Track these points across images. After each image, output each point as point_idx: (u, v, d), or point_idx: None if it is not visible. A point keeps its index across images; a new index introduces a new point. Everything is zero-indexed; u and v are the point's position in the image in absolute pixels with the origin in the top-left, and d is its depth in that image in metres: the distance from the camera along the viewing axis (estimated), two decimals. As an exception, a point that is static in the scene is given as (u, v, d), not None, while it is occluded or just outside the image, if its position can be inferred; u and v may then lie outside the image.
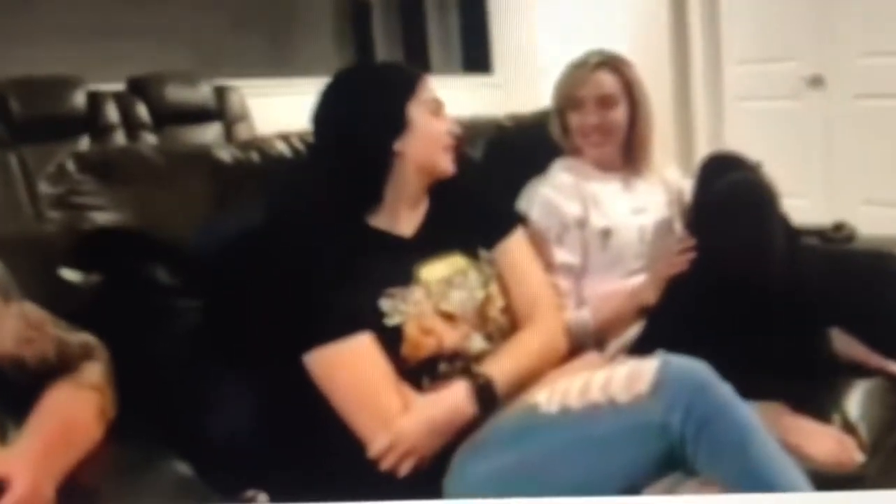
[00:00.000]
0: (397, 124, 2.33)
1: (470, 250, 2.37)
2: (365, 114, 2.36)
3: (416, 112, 2.33)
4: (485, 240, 2.44)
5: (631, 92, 2.94)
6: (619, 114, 2.92)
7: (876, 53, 6.68)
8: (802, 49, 7.13)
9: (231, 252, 2.24)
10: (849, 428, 2.42)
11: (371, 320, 2.12)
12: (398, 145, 2.32)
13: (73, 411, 1.79)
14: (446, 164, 2.38)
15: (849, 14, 6.76)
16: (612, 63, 2.95)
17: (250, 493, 1.88)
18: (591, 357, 2.44)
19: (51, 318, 1.89)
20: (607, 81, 2.91)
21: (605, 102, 2.90)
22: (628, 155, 2.99)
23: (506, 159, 3.15)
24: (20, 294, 1.91)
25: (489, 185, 2.50)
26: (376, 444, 2.00)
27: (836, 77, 6.94)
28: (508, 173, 3.04)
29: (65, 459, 1.69)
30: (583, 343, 2.63)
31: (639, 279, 2.77)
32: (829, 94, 7.01)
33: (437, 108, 2.38)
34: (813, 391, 2.49)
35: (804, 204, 6.31)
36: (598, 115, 2.89)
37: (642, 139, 2.99)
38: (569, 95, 2.94)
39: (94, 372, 1.88)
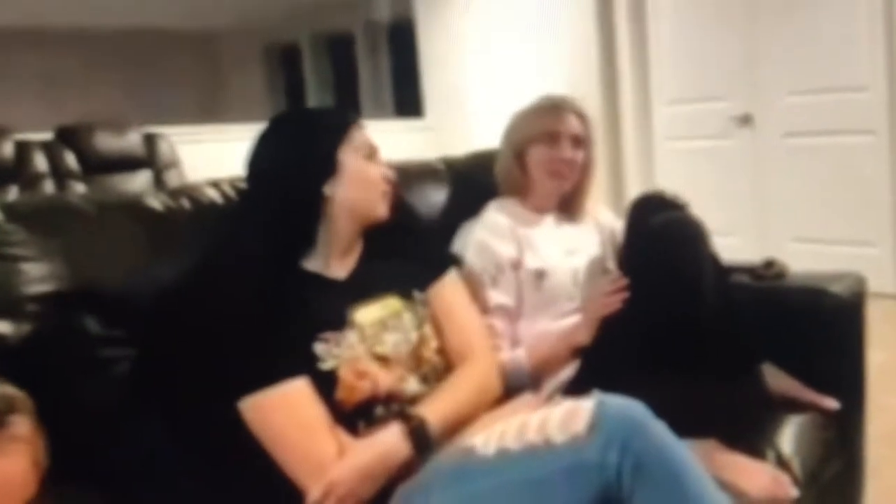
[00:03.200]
0: (327, 168, 2.33)
1: (404, 292, 2.36)
2: (295, 157, 2.37)
3: (348, 156, 2.34)
4: (419, 281, 2.45)
5: (588, 141, 3.04)
6: (582, 156, 3.01)
7: (802, 92, 6.77)
8: (731, 89, 7.23)
9: (163, 300, 2.24)
10: (783, 463, 2.44)
11: (305, 365, 2.11)
12: (328, 189, 2.32)
13: (6, 465, 1.77)
14: (381, 210, 2.39)
15: (775, 54, 6.86)
16: (579, 110, 3.04)
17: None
18: (526, 398, 2.45)
19: None
20: (577, 124, 3.01)
21: (577, 142, 2.99)
22: (570, 198, 3.04)
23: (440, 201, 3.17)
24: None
25: (421, 226, 2.50)
26: (312, 492, 2.00)
27: (765, 116, 7.03)
28: (443, 214, 3.07)
29: None
30: (518, 383, 2.64)
31: (572, 319, 2.79)
32: (757, 132, 7.10)
33: (370, 152, 2.39)
34: (746, 427, 2.51)
35: (735, 242, 6.40)
36: (573, 152, 2.97)
37: (586, 186, 3.07)
38: (544, 129, 2.98)
39: (22, 424, 1.86)
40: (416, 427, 2.09)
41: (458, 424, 2.18)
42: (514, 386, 2.61)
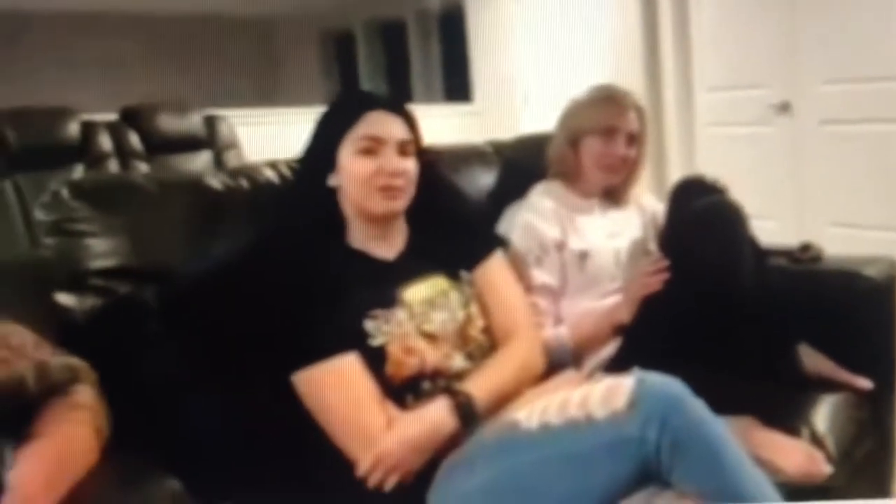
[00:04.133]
0: (327, 162, 2.35)
1: (451, 272, 2.36)
2: (308, 150, 2.44)
3: (344, 152, 2.33)
4: (465, 261, 2.44)
5: (642, 137, 3.02)
6: (635, 153, 3.00)
7: (839, 80, 6.71)
8: (770, 77, 7.17)
9: (220, 276, 2.24)
10: (817, 441, 2.42)
11: (355, 341, 2.12)
12: (332, 181, 2.35)
13: (70, 432, 1.78)
14: (375, 206, 2.33)
15: (814, 42, 6.80)
16: (638, 107, 3.03)
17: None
18: (569, 375, 2.44)
19: (35, 342, 1.88)
20: (635, 120, 2.99)
21: (632, 139, 2.97)
22: (616, 187, 3.04)
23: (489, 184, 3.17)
24: (10, 317, 1.90)
25: (470, 208, 2.48)
26: (362, 462, 2.00)
27: (803, 103, 6.97)
28: (490, 196, 3.06)
29: (64, 479, 1.68)
30: (561, 359, 2.64)
31: (614, 299, 2.78)
32: (796, 119, 7.04)
33: (370, 146, 2.32)
34: (782, 406, 2.50)
35: (773, 226, 6.35)
36: (627, 149, 2.95)
37: (634, 180, 3.07)
38: (604, 123, 2.95)
39: (85, 393, 1.87)
40: (462, 402, 2.09)
41: (503, 400, 2.18)
42: (556, 362, 2.60)
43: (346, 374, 2.09)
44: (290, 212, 2.44)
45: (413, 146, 2.40)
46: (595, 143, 2.95)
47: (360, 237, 2.38)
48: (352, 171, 2.32)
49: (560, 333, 2.71)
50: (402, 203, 2.36)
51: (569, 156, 3.00)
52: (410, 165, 2.37)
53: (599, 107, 3.00)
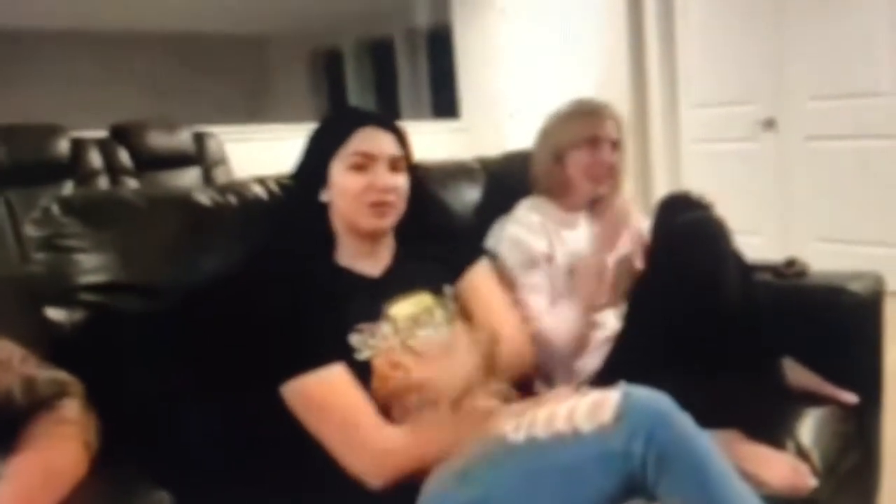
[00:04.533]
0: (319, 178, 2.37)
1: (436, 288, 2.38)
2: (300, 166, 2.46)
3: (336, 167, 2.34)
4: (450, 275, 2.47)
5: (621, 145, 3.02)
6: (619, 160, 3.01)
7: (824, 97, 6.75)
8: (756, 93, 7.22)
9: (210, 291, 2.25)
10: (802, 454, 2.43)
11: (342, 354, 2.12)
12: (324, 197, 2.36)
13: (56, 446, 1.78)
14: (364, 222, 2.34)
15: (798, 59, 6.84)
16: (615, 116, 3.05)
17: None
18: (562, 391, 2.45)
19: (22, 356, 1.88)
20: (614, 128, 3.00)
21: (615, 146, 2.99)
22: (596, 199, 3.02)
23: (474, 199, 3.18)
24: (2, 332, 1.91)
25: (457, 224, 2.48)
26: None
27: (788, 120, 7.01)
28: (477, 212, 3.07)
29: (50, 494, 1.68)
30: (551, 359, 2.66)
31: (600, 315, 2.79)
32: (781, 135, 7.08)
33: (361, 162, 2.33)
34: (768, 419, 2.50)
35: (759, 241, 6.40)
36: (612, 156, 2.97)
37: (618, 189, 3.05)
38: (588, 133, 2.97)
39: (72, 407, 1.87)
40: None
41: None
42: (546, 361, 2.64)
43: (334, 382, 2.09)
44: (281, 227, 2.45)
45: (404, 162, 2.42)
46: (581, 154, 2.96)
47: (348, 253, 2.39)
48: (343, 186, 2.33)
49: (569, 308, 2.74)
50: (391, 220, 2.37)
51: (555, 171, 3.00)
52: (401, 181, 2.38)
53: (580, 119, 3.02)
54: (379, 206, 2.32)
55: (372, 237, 2.39)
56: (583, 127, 2.99)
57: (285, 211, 2.52)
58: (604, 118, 2.99)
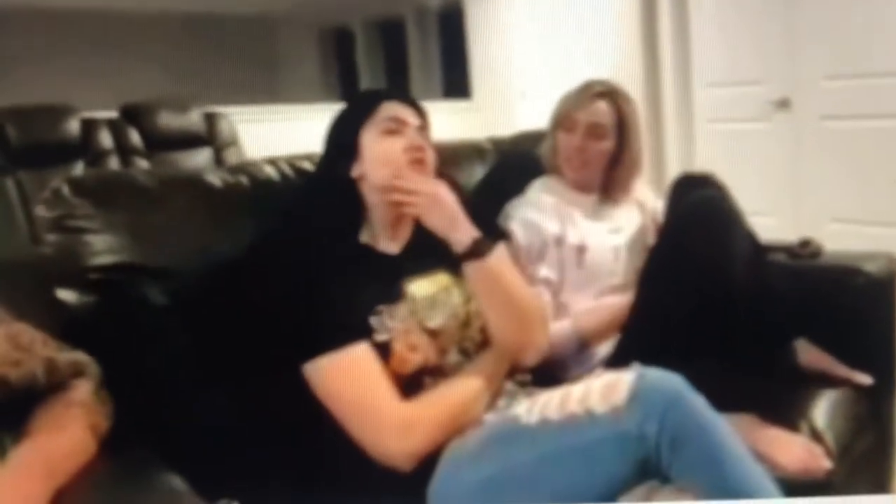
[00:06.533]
0: (349, 152, 2.36)
1: (453, 267, 2.35)
2: (327, 144, 2.45)
3: (367, 136, 2.35)
4: None
5: (623, 128, 2.96)
6: (605, 146, 2.94)
7: (838, 76, 6.72)
8: (770, 73, 7.18)
9: (231, 270, 2.25)
10: (816, 436, 2.43)
11: (362, 336, 2.11)
12: (355, 172, 2.34)
13: (63, 428, 1.78)
14: (403, 186, 2.31)
15: (813, 39, 6.80)
16: (612, 95, 2.97)
17: (223, 502, 1.87)
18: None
19: (42, 338, 1.88)
20: (603, 111, 2.94)
21: (594, 131, 2.93)
22: (608, 183, 3.00)
23: (488, 180, 3.17)
24: (15, 315, 1.91)
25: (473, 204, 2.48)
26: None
27: (802, 99, 6.98)
28: (492, 191, 3.06)
29: (55, 477, 1.68)
30: (564, 353, 2.66)
31: (618, 297, 2.78)
32: (795, 115, 7.05)
33: (394, 127, 2.35)
34: (782, 402, 2.50)
35: (773, 222, 6.37)
36: (585, 142, 2.91)
37: (625, 175, 3.02)
38: (565, 115, 2.96)
39: (83, 389, 1.87)
40: None
41: None
42: (559, 355, 2.62)
43: (359, 362, 2.08)
44: (306, 205, 2.44)
45: (428, 134, 2.43)
46: (560, 136, 2.98)
47: (373, 229, 2.38)
48: (379, 151, 2.33)
49: (563, 326, 2.72)
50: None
51: (550, 151, 3.01)
52: (431, 149, 2.39)
53: (567, 100, 3.02)
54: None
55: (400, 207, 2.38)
56: (565, 108, 2.99)
57: (310, 189, 2.51)
58: (587, 100, 2.95)
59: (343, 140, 2.39)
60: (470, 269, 2.23)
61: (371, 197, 2.36)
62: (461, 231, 2.24)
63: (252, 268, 2.22)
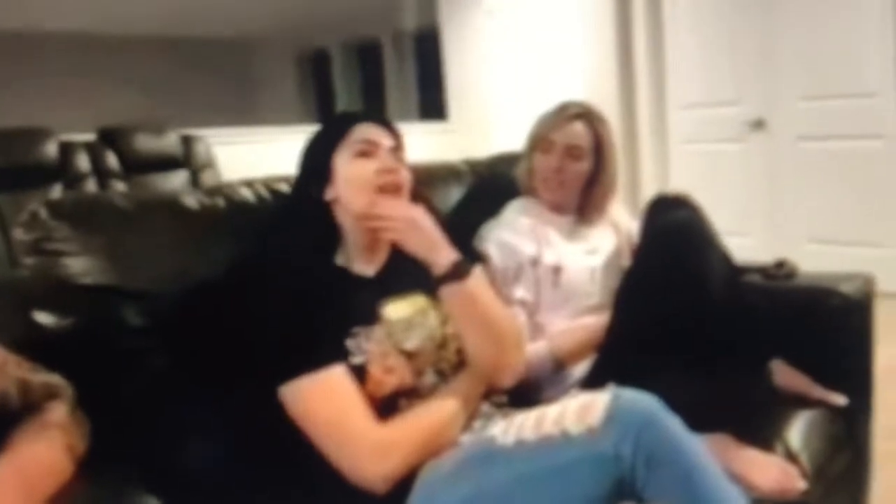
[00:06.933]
0: (322, 175, 2.36)
1: (430, 289, 2.35)
2: (301, 168, 2.45)
3: (340, 159, 2.35)
4: None
5: (600, 149, 2.98)
6: (582, 167, 2.96)
7: (814, 97, 6.77)
8: (745, 94, 7.23)
9: (205, 292, 2.25)
10: (792, 457, 2.43)
11: (338, 358, 2.11)
12: (328, 195, 2.35)
13: (38, 449, 1.78)
14: (377, 211, 2.31)
15: (788, 60, 6.86)
16: (588, 116, 2.99)
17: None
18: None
19: (16, 360, 1.88)
20: (580, 133, 2.96)
21: (572, 152, 2.94)
22: (584, 203, 3.01)
23: (464, 201, 3.18)
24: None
25: (446, 226, 2.48)
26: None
27: (778, 120, 7.03)
28: (468, 213, 3.06)
29: (35, 494, 1.68)
30: (540, 374, 2.67)
31: (593, 317, 2.79)
32: (771, 136, 7.10)
33: (367, 149, 2.35)
34: (757, 422, 2.51)
35: (749, 242, 6.41)
36: (562, 163, 2.93)
37: (601, 196, 3.03)
38: (541, 136, 2.98)
39: (59, 411, 1.87)
40: None
41: None
42: (535, 376, 2.62)
43: (335, 384, 2.08)
44: (279, 228, 2.43)
45: (402, 155, 2.43)
46: (537, 157, 2.99)
47: (347, 252, 2.38)
48: (350, 174, 2.33)
49: (539, 348, 2.72)
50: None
51: (525, 173, 3.03)
52: (405, 170, 2.39)
53: (543, 121, 3.04)
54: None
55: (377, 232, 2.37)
56: (542, 130, 3.00)
57: (285, 212, 2.51)
58: (564, 122, 2.97)
59: (316, 163, 2.39)
60: (448, 291, 2.24)
61: (345, 220, 2.36)
62: (441, 253, 2.24)
63: (229, 289, 2.23)
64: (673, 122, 7.90)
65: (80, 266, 2.19)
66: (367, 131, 2.37)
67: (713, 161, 7.52)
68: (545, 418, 1.90)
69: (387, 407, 2.14)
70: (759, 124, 7.17)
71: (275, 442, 2.09)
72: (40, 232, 2.20)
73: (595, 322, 2.75)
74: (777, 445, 2.46)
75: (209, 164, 7.06)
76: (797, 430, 2.55)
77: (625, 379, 1.95)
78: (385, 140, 2.39)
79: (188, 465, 2.10)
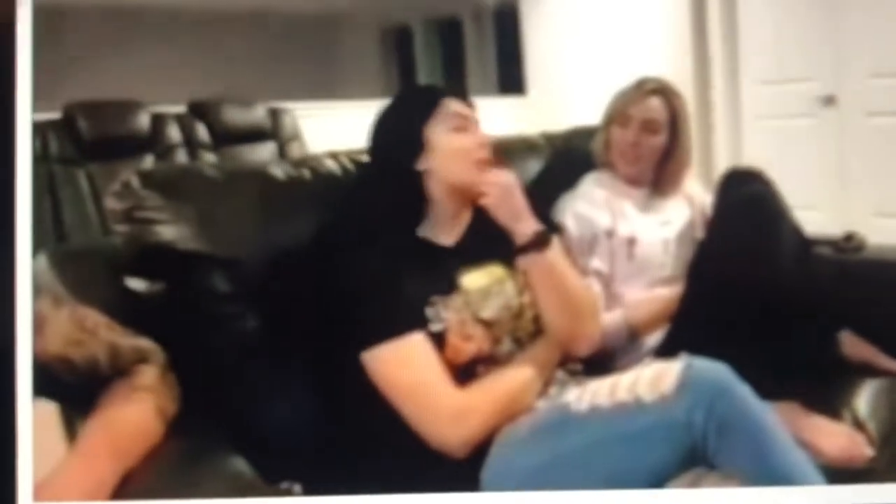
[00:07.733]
0: (414, 146, 2.33)
1: (508, 259, 2.35)
2: (387, 137, 2.42)
3: (435, 132, 2.32)
4: None
5: (675, 123, 2.95)
6: (658, 141, 2.94)
7: (885, 74, 6.67)
8: (816, 70, 7.13)
9: (292, 261, 2.26)
10: (859, 425, 2.41)
11: (418, 326, 2.12)
12: (421, 165, 2.32)
13: (128, 412, 1.80)
14: (479, 179, 2.31)
15: (859, 36, 6.76)
16: (664, 91, 2.97)
17: (285, 485, 1.88)
18: None
19: (108, 324, 1.90)
20: (656, 107, 2.93)
21: (648, 126, 2.92)
22: (659, 177, 2.99)
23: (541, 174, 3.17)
24: (83, 300, 1.93)
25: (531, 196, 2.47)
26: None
27: (849, 96, 6.93)
28: (545, 186, 3.05)
29: (125, 456, 1.70)
30: (615, 343, 2.66)
31: (665, 289, 2.78)
32: (841, 112, 7.00)
33: (461, 124, 2.34)
34: (825, 391, 2.49)
35: (818, 216, 6.31)
36: (639, 137, 2.91)
37: (676, 170, 3.00)
38: (619, 110, 2.96)
39: (148, 374, 1.89)
40: None
41: None
42: (610, 346, 2.62)
43: (416, 351, 2.09)
44: (370, 198, 2.43)
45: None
46: (614, 131, 2.97)
47: (433, 221, 2.37)
48: (452, 147, 2.32)
49: (615, 317, 2.71)
50: None
51: (601, 146, 3.01)
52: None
53: (621, 96, 3.01)
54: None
55: (473, 200, 2.37)
56: (620, 104, 2.98)
57: (373, 182, 2.50)
58: (641, 96, 2.96)
59: (406, 134, 2.36)
60: (528, 260, 2.24)
61: (436, 190, 2.34)
62: (525, 223, 2.24)
63: (315, 258, 2.23)
64: (746, 97, 7.82)
65: (170, 234, 2.20)
66: (456, 106, 2.36)
67: (784, 136, 7.43)
68: (619, 385, 1.90)
69: (465, 373, 2.14)
70: (830, 100, 7.09)
71: (358, 406, 2.10)
72: (132, 201, 2.21)
73: (669, 293, 2.74)
74: (845, 414, 2.44)
75: (296, 136, 7.06)
76: (864, 399, 2.53)
77: (697, 348, 1.94)
78: (472, 115, 2.38)
79: (273, 427, 2.12)
